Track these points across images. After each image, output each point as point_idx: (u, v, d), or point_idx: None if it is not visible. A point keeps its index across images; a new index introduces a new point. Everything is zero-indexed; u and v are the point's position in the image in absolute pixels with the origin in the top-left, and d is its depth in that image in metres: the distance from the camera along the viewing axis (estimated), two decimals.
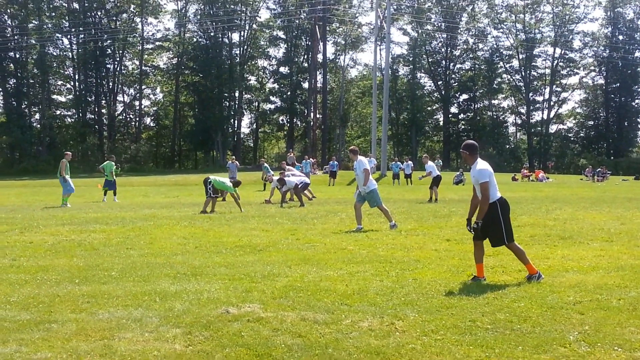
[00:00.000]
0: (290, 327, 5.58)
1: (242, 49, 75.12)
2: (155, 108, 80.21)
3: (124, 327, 5.63)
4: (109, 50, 72.24)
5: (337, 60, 78.62)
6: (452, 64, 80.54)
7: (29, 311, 6.24)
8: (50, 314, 6.11)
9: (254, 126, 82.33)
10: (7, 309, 6.36)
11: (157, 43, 75.04)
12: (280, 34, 76.58)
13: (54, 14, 71.25)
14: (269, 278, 7.86)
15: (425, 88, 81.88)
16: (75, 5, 70.75)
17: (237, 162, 32.52)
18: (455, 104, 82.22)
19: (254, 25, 75.40)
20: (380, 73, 56.89)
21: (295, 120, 77.91)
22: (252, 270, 8.39)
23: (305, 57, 75.71)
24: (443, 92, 79.50)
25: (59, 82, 74.26)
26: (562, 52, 77.18)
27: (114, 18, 72.41)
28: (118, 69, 73.46)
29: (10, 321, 5.86)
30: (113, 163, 24.83)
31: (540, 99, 79.32)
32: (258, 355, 4.88)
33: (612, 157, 72.10)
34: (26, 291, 7.17)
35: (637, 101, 76.80)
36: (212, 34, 71.88)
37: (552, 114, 79.21)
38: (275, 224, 14.16)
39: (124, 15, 72.94)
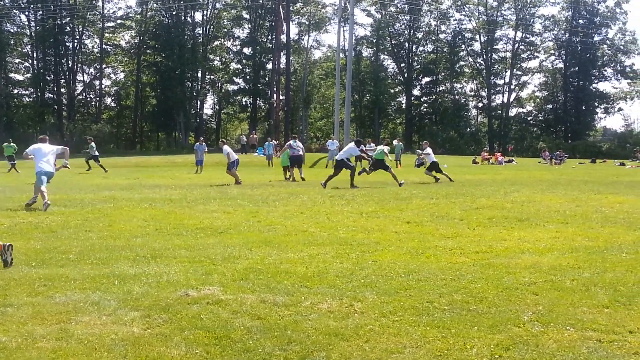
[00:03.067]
0: (249, 309, 5.60)
1: (205, 28, 74.19)
2: (116, 88, 78.59)
3: (81, 311, 5.58)
4: (68, 27, 70.55)
5: (300, 41, 78.17)
6: (414, 47, 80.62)
7: None
8: (5, 298, 6.02)
9: (217, 107, 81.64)
10: None
11: (118, 21, 73.42)
12: (244, 13, 75.75)
13: None
14: (229, 260, 7.86)
15: (389, 70, 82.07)
16: None
17: (204, 144, 32.72)
18: (418, 87, 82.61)
19: (218, 5, 74.51)
20: (344, 54, 56.58)
21: (258, 101, 77.42)
22: (212, 252, 8.37)
23: (269, 37, 75.09)
24: (406, 75, 79.72)
25: (17, 60, 72.32)
26: (523, 36, 77.89)
27: None
28: (78, 47, 71.66)
29: None
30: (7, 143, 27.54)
31: (501, 82, 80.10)
32: (217, 338, 4.89)
33: (569, 141, 73.34)
34: None
35: (594, 85, 78.13)
36: (174, 12, 70.74)
37: (512, 97, 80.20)
38: (236, 206, 14.11)
39: None
